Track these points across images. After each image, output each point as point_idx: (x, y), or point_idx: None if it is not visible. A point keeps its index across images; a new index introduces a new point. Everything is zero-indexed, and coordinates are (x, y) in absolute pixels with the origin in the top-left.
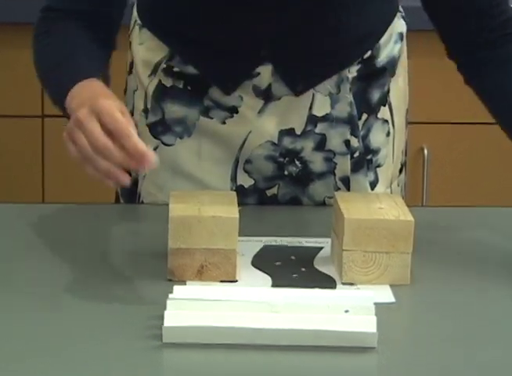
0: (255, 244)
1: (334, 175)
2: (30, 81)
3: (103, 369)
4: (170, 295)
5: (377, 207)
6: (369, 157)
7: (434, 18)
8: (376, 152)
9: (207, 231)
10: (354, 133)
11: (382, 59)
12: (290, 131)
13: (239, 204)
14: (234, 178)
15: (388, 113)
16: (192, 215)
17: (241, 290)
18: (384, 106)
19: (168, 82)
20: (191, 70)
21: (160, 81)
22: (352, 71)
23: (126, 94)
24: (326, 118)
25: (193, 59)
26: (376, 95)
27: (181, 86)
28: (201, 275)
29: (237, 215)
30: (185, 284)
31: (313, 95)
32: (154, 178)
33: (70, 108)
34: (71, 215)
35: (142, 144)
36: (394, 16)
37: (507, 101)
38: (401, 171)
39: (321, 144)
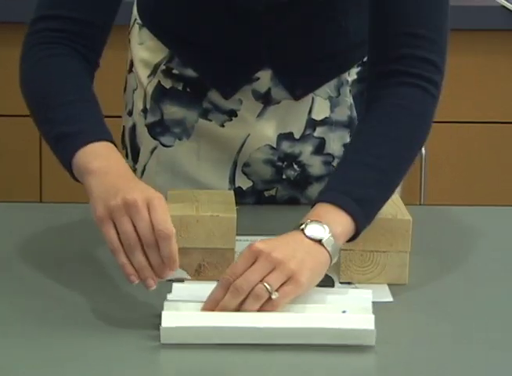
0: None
1: None
2: None
3: (102, 369)
4: (168, 296)
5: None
6: None
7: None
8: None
9: (205, 230)
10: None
11: None
12: (288, 136)
13: (237, 203)
14: (232, 180)
15: None
16: (190, 215)
17: None
18: None
19: (168, 84)
20: (190, 72)
21: (159, 81)
22: (352, 74)
23: (125, 92)
24: (325, 122)
25: (193, 62)
26: None
27: (180, 88)
28: (199, 274)
29: (235, 215)
30: (183, 283)
31: (313, 98)
32: (153, 178)
33: (87, 168)
34: (69, 215)
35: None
36: None
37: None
38: None
39: (320, 148)
